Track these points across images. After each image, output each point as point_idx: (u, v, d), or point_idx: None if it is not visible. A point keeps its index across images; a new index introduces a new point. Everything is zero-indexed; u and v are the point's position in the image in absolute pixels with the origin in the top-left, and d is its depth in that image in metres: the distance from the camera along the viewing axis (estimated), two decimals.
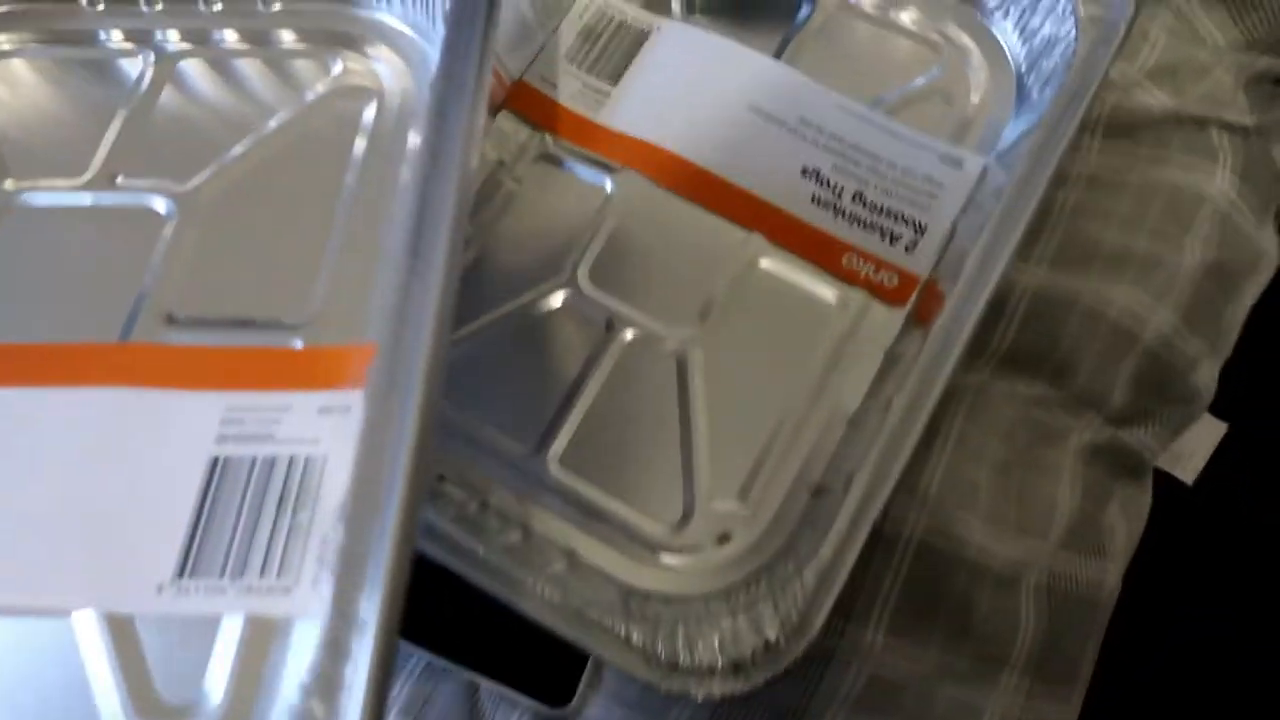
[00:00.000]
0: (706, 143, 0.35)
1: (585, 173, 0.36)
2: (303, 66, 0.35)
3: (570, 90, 0.37)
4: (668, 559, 0.31)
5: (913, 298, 0.33)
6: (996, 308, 0.30)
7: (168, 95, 0.35)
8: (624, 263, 0.34)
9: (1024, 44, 0.34)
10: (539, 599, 0.28)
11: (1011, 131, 0.34)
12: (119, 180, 0.33)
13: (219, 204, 0.32)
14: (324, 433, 0.27)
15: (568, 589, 0.29)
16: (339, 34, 0.36)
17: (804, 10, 0.37)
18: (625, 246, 0.35)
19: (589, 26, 0.37)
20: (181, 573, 0.24)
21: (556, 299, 0.34)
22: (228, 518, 0.25)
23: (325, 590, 0.24)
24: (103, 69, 0.36)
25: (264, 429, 0.27)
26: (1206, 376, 0.33)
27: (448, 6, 0.34)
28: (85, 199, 0.32)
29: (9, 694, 0.24)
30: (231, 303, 0.30)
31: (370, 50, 0.35)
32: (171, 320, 0.30)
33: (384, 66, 0.35)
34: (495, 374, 0.34)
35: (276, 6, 0.36)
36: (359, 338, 0.29)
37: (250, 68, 0.35)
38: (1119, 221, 0.33)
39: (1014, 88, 0.34)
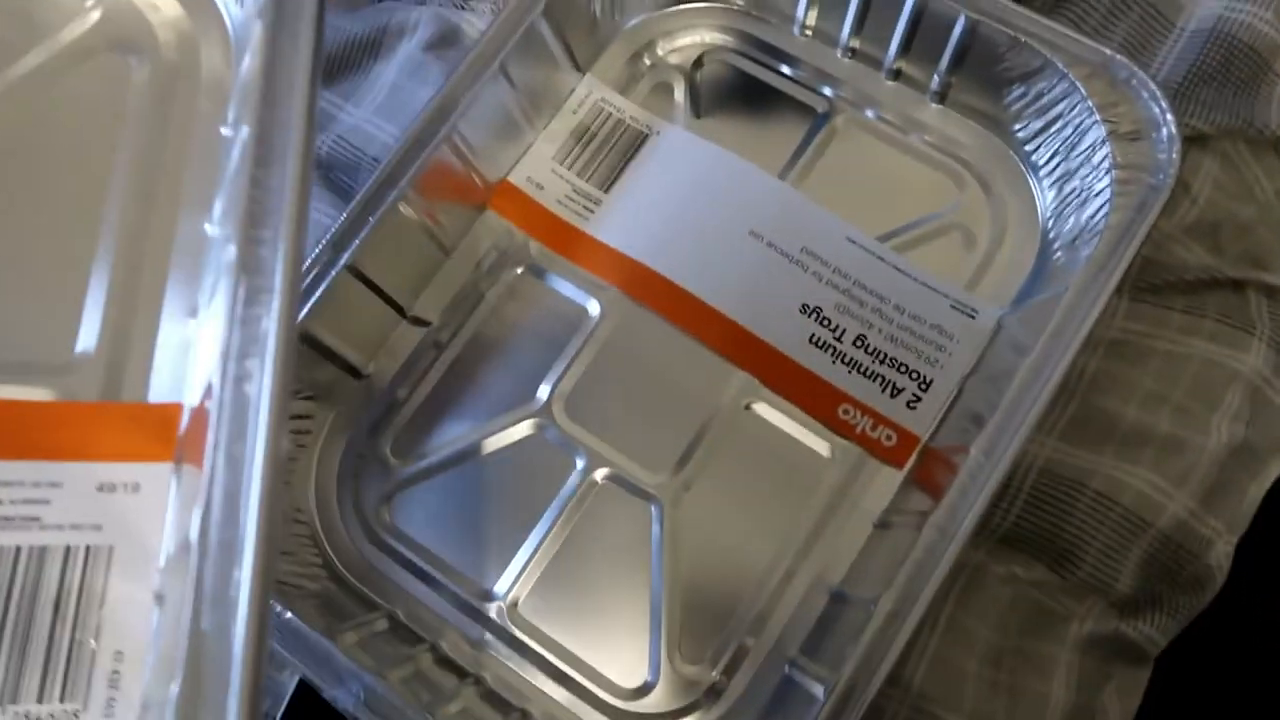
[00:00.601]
0: (701, 268, 0.32)
1: (568, 289, 0.33)
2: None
3: (558, 194, 0.34)
4: None
5: (911, 459, 0.30)
6: (1000, 482, 0.27)
7: None
8: (603, 394, 0.32)
9: (1054, 188, 0.31)
10: None
11: (1032, 283, 0.31)
12: None
13: None
14: (107, 517, 0.21)
15: None
16: None
17: (818, 122, 0.34)
18: (606, 376, 0.32)
19: (583, 125, 0.34)
20: None
21: (526, 428, 0.32)
22: None
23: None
24: None
25: (27, 510, 0.21)
26: (1221, 554, 0.31)
27: None
28: None
29: None
30: None
31: None
32: None
33: (159, 14, 0.26)
34: (455, 507, 0.32)
35: None
36: (144, 389, 0.23)
37: None
38: (1141, 396, 0.30)
39: (1039, 235, 0.32)
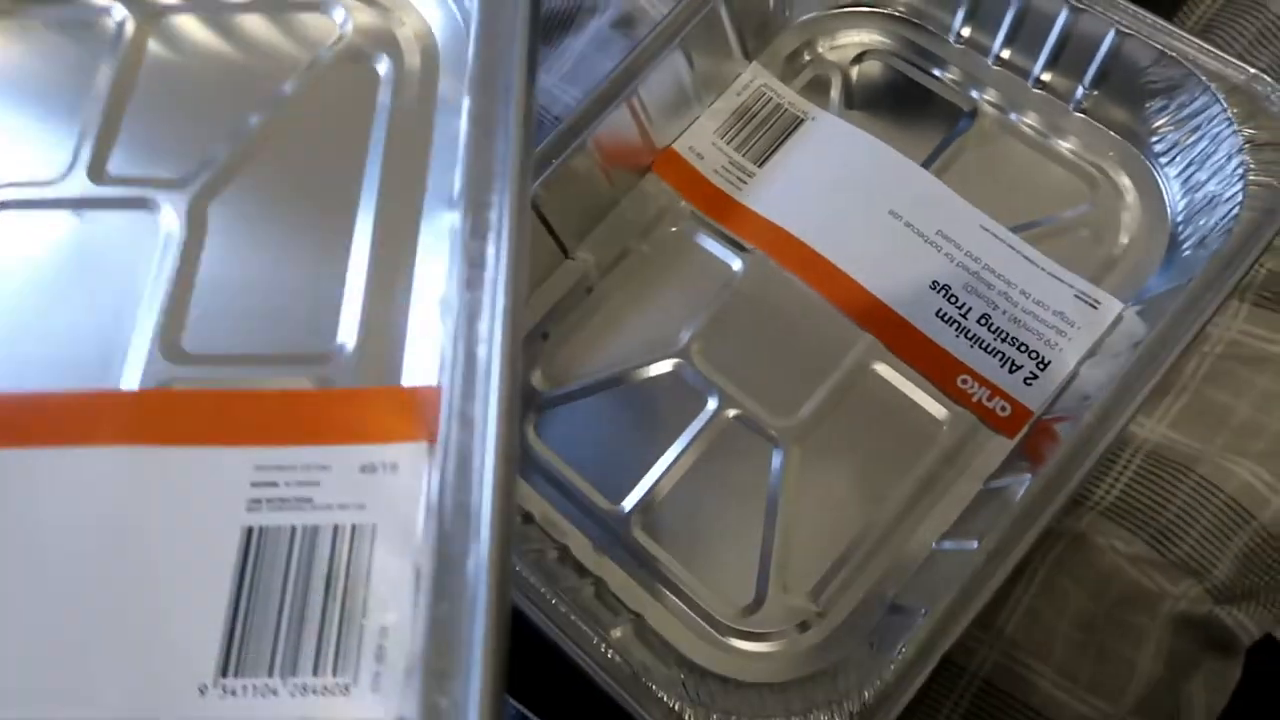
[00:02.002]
0: (842, 240, 0.36)
1: (715, 248, 0.37)
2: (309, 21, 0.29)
3: (716, 164, 0.38)
4: (732, 642, 0.32)
5: (1023, 431, 0.33)
6: (1108, 459, 0.30)
7: (155, 60, 0.28)
8: (739, 343, 0.35)
9: (1185, 196, 0.34)
10: (601, 657, 0.29)
11: (1156, 282, 0.33)
12: (109, 172, 0.27)
13: (230, 205, 0.27)
14: (370, 497, 0.22)
15: (629, 653, 0.30)
16: None
17: (963, 122, 0.37)
18: (743, 327, 0.36)
19: (745, 105, 0.38)
20: (225, 671, 0.21)
21: (666, 366, 0.36)
22: (270, 602, 0.21)
23: (388, 693, 0.21)
24: (77, 28, 0.29)
25: (300, 492, 0.23)
26: None
27: None
28: (67, 196, 0.27)
29: None
30: (248, 332, 0.25)
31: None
32: (179, 356, 0.25)
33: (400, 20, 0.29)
34: (595, 429, 0.36)
35: None
36: (397, 375, 0.24)
37: (249, 25, 0.29)
38: (1256, 395, 0.32)
39: (1167, 237, 0.34)
